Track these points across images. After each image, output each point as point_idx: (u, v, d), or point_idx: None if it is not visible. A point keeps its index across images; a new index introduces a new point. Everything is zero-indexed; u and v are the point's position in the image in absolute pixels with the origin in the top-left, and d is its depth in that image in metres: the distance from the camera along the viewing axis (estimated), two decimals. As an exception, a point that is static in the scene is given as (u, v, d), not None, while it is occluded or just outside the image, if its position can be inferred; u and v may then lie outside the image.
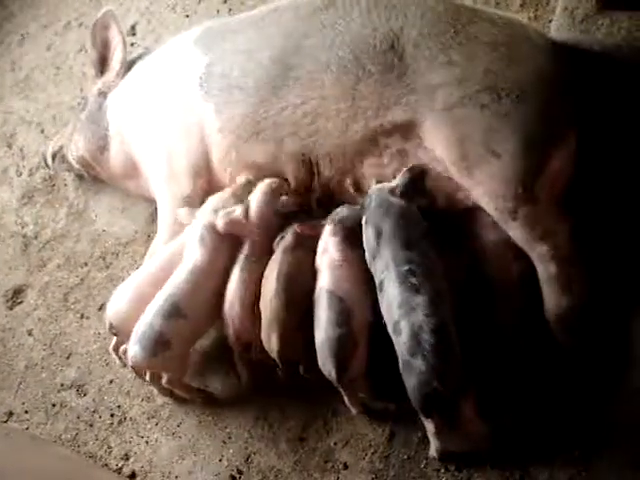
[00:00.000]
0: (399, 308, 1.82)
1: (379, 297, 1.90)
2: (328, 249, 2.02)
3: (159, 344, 2.00)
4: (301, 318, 1.96)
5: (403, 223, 1.95)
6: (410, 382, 1.77)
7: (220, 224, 2.10)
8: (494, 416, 1.86)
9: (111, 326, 2.13)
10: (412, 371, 1.76)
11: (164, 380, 2.11)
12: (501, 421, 1.87)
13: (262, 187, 2.14)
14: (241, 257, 2.09)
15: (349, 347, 1.87)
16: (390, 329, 1.85)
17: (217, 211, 2.13)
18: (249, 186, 2.17)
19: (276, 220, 2.14)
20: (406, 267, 1.86)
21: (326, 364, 1.88)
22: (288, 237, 2.07)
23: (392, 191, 1.99)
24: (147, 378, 2.13)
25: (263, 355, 1.99)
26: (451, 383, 1.74)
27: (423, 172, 2.01)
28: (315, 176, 2.15)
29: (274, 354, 1.94)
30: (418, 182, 2.00)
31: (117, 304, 2.13)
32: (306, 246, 2.05)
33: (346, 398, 1.96)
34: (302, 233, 2.07)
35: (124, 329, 2.11)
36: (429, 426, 1.83)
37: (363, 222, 2.00)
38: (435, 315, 1.78)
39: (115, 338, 2.23)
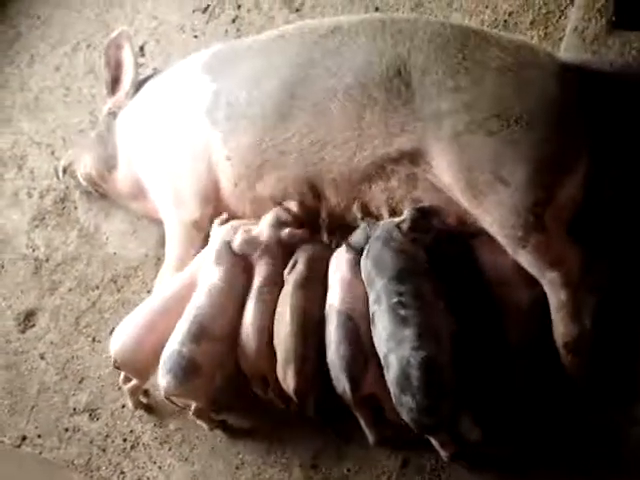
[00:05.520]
0: (387, 341, 1.83)
1: (372, 329, 1.90)
2: (340, 268, 2.04)
3: (191, 370, 1.96)
4: (316, 350, 1.96)
5: (399, 258, 1.94)
6: (404, 416, 1.79)
7: (237, 241, 2.11)
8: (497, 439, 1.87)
9: (115, 361, 2.11)
10: (403, 407, 1.78)
11: (192, 411, 2.09)
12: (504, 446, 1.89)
13: (271, 214, 2.16)
14: (254, 288, 2.08)
15: (361, 363, 1.88)
16: (382, 363, 1.85)
17: (235, 229, 2.15)
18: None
19: (282, 250, 2.13)
20: (396, 299, 1.86)
21: (340, 381, 1.88)
22: (299, 266, 2.07)
23: (398, 226, 2.00)
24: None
25: (278, 389, 1.99)
26: (441, 415, 1.77)
27: (430, 211, 2.00)
28: (322, 203, 2.14)
29: (290, 390, 1.93)
30: (424, 220, 2.00)
31: (121, 339, 2.10)
32: (317, 277, 2.06)
33: (363, 423, 1.95)
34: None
35: (128, 364, 2.10)
36: (434, 441, 1.86)
37: (364, 253, 2.00)
38: (422, 349, 1.77)
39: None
